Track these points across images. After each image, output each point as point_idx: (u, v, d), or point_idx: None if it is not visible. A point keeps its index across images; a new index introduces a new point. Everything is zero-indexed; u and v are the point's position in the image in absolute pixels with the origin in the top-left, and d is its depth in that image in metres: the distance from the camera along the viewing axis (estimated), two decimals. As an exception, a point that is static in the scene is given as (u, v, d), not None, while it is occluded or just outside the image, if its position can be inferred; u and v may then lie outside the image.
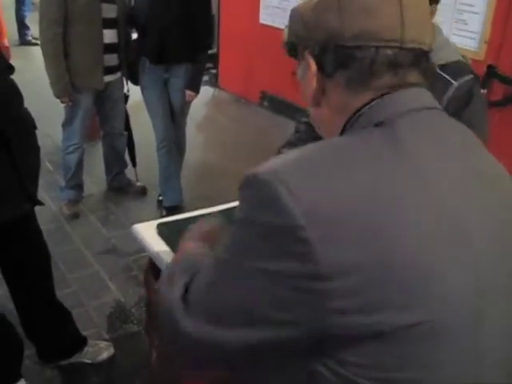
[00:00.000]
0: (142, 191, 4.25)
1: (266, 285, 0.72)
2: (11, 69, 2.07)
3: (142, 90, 3.73)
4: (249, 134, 5.65)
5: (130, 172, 4.30)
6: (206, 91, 3.83)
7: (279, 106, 6.17)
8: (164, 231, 1.81)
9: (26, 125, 2.08)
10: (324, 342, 0.72)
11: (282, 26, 5.18)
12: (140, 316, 2.94)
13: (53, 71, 3.50)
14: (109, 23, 3.60)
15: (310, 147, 0.80)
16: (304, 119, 1.82)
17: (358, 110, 0.83)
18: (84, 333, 2.64)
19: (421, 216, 0.73)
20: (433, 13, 1.43)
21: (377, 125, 0.80)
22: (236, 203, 2.05)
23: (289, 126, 5.77)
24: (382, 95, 0.82)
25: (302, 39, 0.88)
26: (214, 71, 6.81)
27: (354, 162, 0.75)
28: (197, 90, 3.74)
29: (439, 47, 1.47)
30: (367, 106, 0.82)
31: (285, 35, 0.96)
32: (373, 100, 0.82)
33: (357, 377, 0.71)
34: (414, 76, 0.84)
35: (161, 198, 4.04)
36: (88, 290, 3.13)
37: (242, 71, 6.54)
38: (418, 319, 0.70)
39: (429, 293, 0.71)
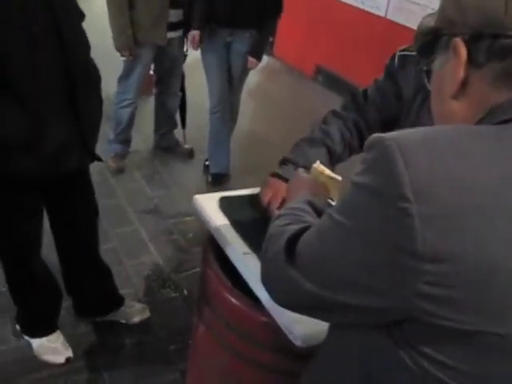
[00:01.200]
0: (189, 154, 4.18)
1: (368, 251, 0.72)
2: (83, 16, 1.99)
3: (203, 51, 3.63)
4: (299, 108, 5.52)
5: (178, 133, 4.24)
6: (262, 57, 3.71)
7: (333, 83, 6.01)
8: (226, 205, 1.74)
9: (92, 76, 2.01)
10: (407, 323, 0.72)
11: (348, 1, 5.12)
12: (178, 282, 2.91)
13: (116, 24, 3.43)
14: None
15: (443, 127, 0.77)
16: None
17: (500, 105, 0.76)
18: (121, 291, 2.61)
19: None
20: None
21: (506, 120, 0.73)
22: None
23: (340, 103, 5.70)
24: None
25: (453, 24, 0.78)
26: (270, 39, 6.65)
27: (483, 154, 0.69)
28: (259, 58, 3.63)
29: None
30: (507, 103, 0.75)
31: (427, 22, 0.86)
32: None
33: (435, 371, 0.72)
34: None
35: (207, 162, 3.97)
36: (128, 248, 3.11)
37: (299, 42, 6.38)
38: (505, 332, 0.68)
39: None
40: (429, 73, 0.89)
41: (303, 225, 0.92)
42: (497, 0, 0.73)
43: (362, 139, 1.70)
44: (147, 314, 2.64)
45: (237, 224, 1.65)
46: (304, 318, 1.34)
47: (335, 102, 5.94)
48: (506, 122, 0.73)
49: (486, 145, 0.70)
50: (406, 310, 0.71)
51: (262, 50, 3.63)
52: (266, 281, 0.93)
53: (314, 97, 5.92)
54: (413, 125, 1.62)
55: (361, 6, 5.51)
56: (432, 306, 0.68)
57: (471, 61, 0.76)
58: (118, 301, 2.57)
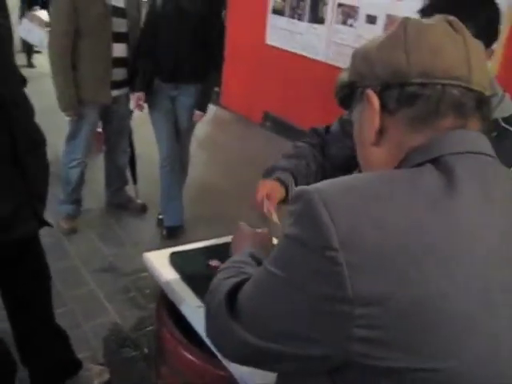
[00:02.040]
0: (142, 209, 4.18)
1: (300, 300, 0.74)
2: (24, 81, 2.01)
3: (149, 106, 3.68)
4: (250, 154, 5.61)
5: (130, 188, 4.24)
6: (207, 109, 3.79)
7: (281, 128, 6.14)
8: (176, 260, 1.75)
9: (36, 140, 2.02)
10: (347, 368, 0.74)
11: (289, 48, 5.26)
12: (137, 340, 2.85)
13: (59, 84, 3.45)
14: (119, 37, 3.56)
15: (361, 175, 0.83)
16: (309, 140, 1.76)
17: (415, 149, 0.82)
18: (79, 355, 2.54)
19: (470, 267, 0.72)
20: (489, 55, 1.34)
21: (432, 161, 0.78)
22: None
23: (288, 148, 5.81)
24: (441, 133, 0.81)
25: (364, 77, 0.86)
26: (216, 89, 6.78)
27: (402, 196, 0.74)
28: (205, 110, 3.70)
29: (500, 98, 1.36)
30: (423, 145, 0.81)
31: (343, 77, 0.93)
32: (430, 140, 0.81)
33: None
34: (474, 122, 0.83)
35: (161, 216, 3.97)
36: (84, 309, 3.04)
37: (244, 91, 6.52)
38: (439, 366, 0.71)
39: (461, 346, 0.71)
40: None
41: (244, 276, 0.95)
42: (399, 53, 0.81)
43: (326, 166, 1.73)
44: (106, 376, 2.58)
45: (188, 278, 1.66)
46: (262, 371, 1.35)
47: (284, 146, 6.05)
48: (420, 164, 0.79)
49: (404, 187, 0.75)
50: (342, 355, 0.73)
51: (206, 102, 3.71)
52: (210, 335, 0.95)
53: (263, 142, 6.02)
54: None
55: (303, 53, 5.70)
56: (366, 348, 0.71)
57: (384, 109, 0.83)
58: (76, 366, 2.50)
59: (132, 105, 3.70)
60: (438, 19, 0.85)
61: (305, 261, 0.74)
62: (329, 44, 5.40)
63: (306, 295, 0.74)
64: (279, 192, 1.62)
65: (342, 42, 5.24)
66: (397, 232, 0.71)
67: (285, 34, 5.84)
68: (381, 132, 0.85)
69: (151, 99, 3.62)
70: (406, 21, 0.85)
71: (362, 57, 0.88)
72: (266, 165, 1.90)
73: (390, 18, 4.72)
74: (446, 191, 0.74)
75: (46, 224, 2.05)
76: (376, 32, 4.87)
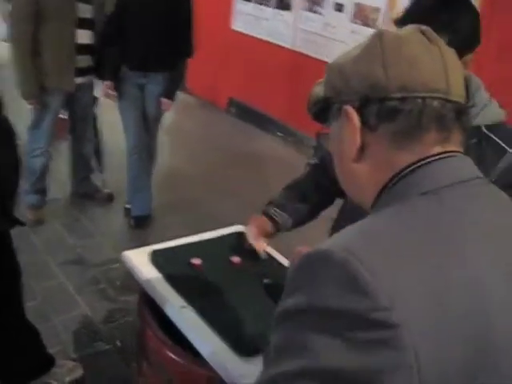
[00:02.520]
0: (109, 198, 4.11)
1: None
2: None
3: (117, 95, 3.60)
4: (216, 140, 5.58)
5: (96, 178, 4.16)
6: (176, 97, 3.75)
7: (246, 114, 6.12)
8: (158, 259, 1.73)
9: (5, 133, 1.95)
10: None
11: (255, 34, 5.23)
12: (110, 333, 2.83)
13: (20, 72, 3.34)
14: (84, 23, 3.47)
15: (369, 221, 0.77)
16: (312, 161, 1.75)
17: (402, 171, 0.79)
18: (50, 350, 2.49)
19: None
20: (467, 63, 1.34)
21: (423, 193, 0.76)
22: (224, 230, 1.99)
23: (255, 134, 5.80)
24: (428, 160, 0.78)
25: (340, 93, 0.83)
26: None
27: (420, 240, 0.70)
28: (173, 99, 3.65)
29: (484, 104, 1.34)
30: (410, 168, 0.78)
31: (317, 92, 0.89)
32: (418, 161, 0.78)
33: None
34: (456, 133, 0.81)
35: (128, 206, 3.91)
36: (53, 303, 2.99)
37: (210, 76, 6.45)
38: None
39: None
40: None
41: None
42: (376, 67, 0.79)
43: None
44: (80, 371, 2.54)
45: (170, 277, 1.65)
46: (248, 370, 1.36)
47: (248, 131, 6.07)
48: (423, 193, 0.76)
49: (421, 229, 0.71)
50: None
51: (175, 90, 3.66)
52: None
53: (228, 128, 6.00)
54: None
55: (269, 39, 5.67)
56: None
57: (365, 125, 0.80)
58: (48, 362, 2.46)
59: (100, 93, 3.61)
60: (411, 30, 0.83)
61: (345, 338, 0.64)
62: (295, 31, 5.38)
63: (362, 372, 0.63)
64: (264, 227, 1.73)
65: (309, 29, 5.24)
66: (430, 282, 0.66)
67: (251, 19, 5.79)
68: (362, 148, 0.82)
69: (118, 87, 3.55)
70: (380, 32, 0.82)
71: (337, 71, 0.85)
72: (231, 150, 1.92)
73: (358, 7, 4.74)
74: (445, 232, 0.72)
75: (18, 222, 1.99)
76: (343, 20, 4.88)
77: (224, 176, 4.80)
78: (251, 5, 5.77)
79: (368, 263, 0.65)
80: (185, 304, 1.55)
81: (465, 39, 1.29)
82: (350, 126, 0.81)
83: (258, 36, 5.76)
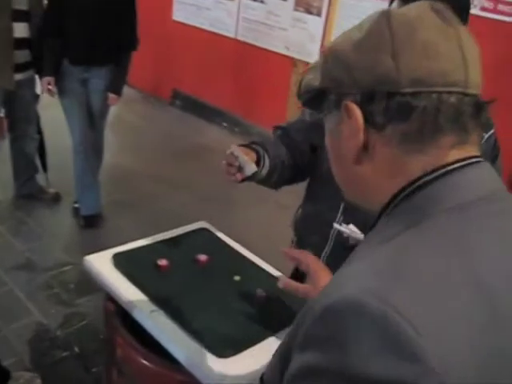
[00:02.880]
0: (56, 198, 3.95)
1: None
2: None
3: (59, 91, 3.44)
4: (160, 133, 5.48)
5: (41, 178, 3.99)
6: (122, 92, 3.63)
7: (191, 105, 6.04)
8: (122, 263, 1.66)
9: None
10: None
11: (197, 24, 5.13)
12: (67, 339, 2.72)
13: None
14: (19, 16, 3.29)
15: (393, 251, 0.63)
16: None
17: (417, 180, 0.69)
18: (4, 363, 2.38)
19: None
20: None
21: (447, 210, 0.66)
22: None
23: (201, 125, 5.73)
24: (447, 169, 0.68)
25: (340, 84, 0.71)
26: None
27: (455, 271, 0.60)
28: (119, 93, 3.52)
29: None
30: (426, 178, 0.68)
31: (310, 80, 0.79)
32: (434, 171, 0.68)
33: None
34: (474, 134, 0.70)
35: (77, 205, 3.78)
36: (4, 311, 2.85)
37: (152, 69, 6.31)
38: None
39: None
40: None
41: None
42: (385, 56, 0.67)
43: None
44: (38, 382, 2.44)
45: (137, 282, 1.59)
46: (225, 370, 1.33)
47: (194, 123, 5.99)
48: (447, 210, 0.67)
49: (447, 257, 0.62)
50: None
51: (121, 85, 3.53)
52: None
53: (173, 121, 5.90)
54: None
55: (211, 29, 5.58)
56: None
57: (369, 123, 0.69)
58: (3, 375, 2.34)
59: (41, 90, 3.45)
60: (422, 8, 0.71)
61: None
62: (238, 20, 5.32)
63: None
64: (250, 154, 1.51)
65: (251, 18, 5.19)
66: (464, 321, 0.57)
67: (192, 9, 5.69)
68: (365, 148, 0.71)
69: (60, 83, 3.39)
70: (387, 13, 0.70)
71: (336, 59, 0.73)
72: (178, 143, 1.85)
73: (302, -5, 4.73)
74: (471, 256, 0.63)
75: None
76: (286, 8, 4.86)
77: (173, 170, 4.71)
78: (192, -6, 5.66)
79: (409, 314, 0.54)
80: (154, 308, 1.50)
81: (462, 12, 1.25)
82: (350, 124, 0.70)
83: (200, 26, 5.66)
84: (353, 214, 1.54)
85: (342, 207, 1.54)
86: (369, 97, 0.68)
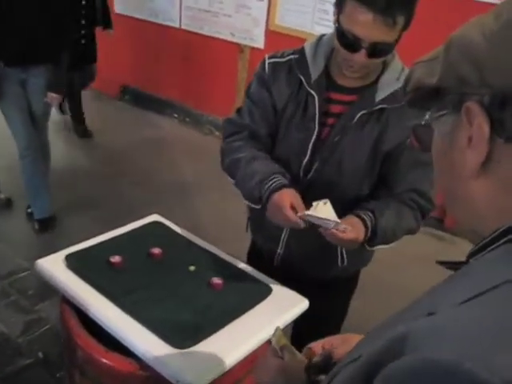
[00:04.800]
0: (7, 203, 3.85)
1: None
2: None
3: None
4: (111, 131, 5.39)
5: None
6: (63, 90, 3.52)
7: (140, 99, 5.96)
8: (74, 263, 1.63)
9: None
10: None
11: (140, 16, 5.04)
12: (30, 346, 2.67)
13: None
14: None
15: (501, 304, 0.51)
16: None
17: None
18: (-34, 377, 2.34)
19: None
20: None
21: None
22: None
23: (152, 118, 5.67)
24: None
25: (464, 83, 0.60)
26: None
27: None
28: (61, 92, 3.40)
29: (400, 70, 1.52)
30: None
31: (421, 75, 0.67)
32: None
33: None
34: None
35: (30, 210, 3.69)
36: (-39, 325, 2.78)
37: (100, 66, 6.18)
38: None
39: None
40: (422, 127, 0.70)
41: None
42: None
43: None
44: (4, 392, 2.40)
45: (91, 280, 1.57)
46: (186, 363, 1.33)
47: (145, 117, 5.91)
48: None
49: None
50: None
51: (61, 83, 3.40)
52: None
53: (124, 117, 5.81)
54: (283, 138, 1.60)
55: (155, 20, 5.50)
56: None
57: (496, 132, 0.57)
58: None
59: None
60: None
61: None
62: (181, 9, 5.26)
63: None
64: (296, 195, 1.46)
65: (194, 6, 5.13)
66: None
67: (134, 1, 5.58)
68: (487, 161, 0.59)
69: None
70: None
71: (463, 52, 0.61)
72: (131, 139, 1.81)
73: (242, -21, 4.70)
74: None
75: None
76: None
77: (129, 165, 4.65)
78: (132, -14, 5.56)
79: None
80: (112, 305, 1.48)
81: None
82: (473, 131, 0.59)
83: (143, 17, 5.57)
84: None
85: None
86: (501, 100, 0.56)
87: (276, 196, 1.44)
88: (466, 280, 0.57)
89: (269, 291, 1.61)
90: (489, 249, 0.59)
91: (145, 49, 5.76)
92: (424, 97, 0.66)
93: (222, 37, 5.03)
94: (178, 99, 5.65)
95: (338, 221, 1.36)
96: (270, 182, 1.49)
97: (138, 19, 5.63)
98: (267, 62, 1.60)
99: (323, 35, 1.58)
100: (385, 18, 1.31)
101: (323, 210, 1.37)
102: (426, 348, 0.49)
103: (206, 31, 5.12)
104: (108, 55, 6.02)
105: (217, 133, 5.24)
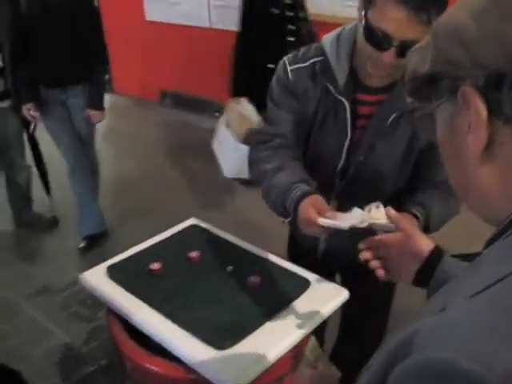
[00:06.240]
0: (54, 222, 3.94)
1: None
2: None
3: (42, 116, 3.43)
4: (155, 135, 5.48)
5: (39, 204, 4.01)
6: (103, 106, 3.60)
7: (182, 103, 6.04)
8: (115, 274, 1.68)
9: None
10: None
11: (171, 21, 5.04)
12: (92, 354, 2.77)
13: None
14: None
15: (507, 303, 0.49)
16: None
17: None
18: (35, 386, 2.43)
19: None
20: None
21: None
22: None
23: (195, 120, 5.73)
24: None
25: (457, 66, 0.58)
26: (106, 77, 6.53)
27: None
28: (100, 108, 3.48)
29: None
30: None
31: (416, 64, 0.65)
32: None
33: None
34: None
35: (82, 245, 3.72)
36: (28, 338, 2.90)
37: (136, 72, 6.32)
38: None
39: None
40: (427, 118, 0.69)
41: None
42: None
43: None
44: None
45: (132, 289, 1.61)
46: (230, 364, 1.34)
47: (188, 120, 5.96)
48: None
49: None
50: None
51: (100, 98, 3.48)
52: None
53: (166, 120, 5.90)
54: (315, 143, 1.56)
55: (187, 23, 5.56)
56: None
57: (494, 114, 0.56)
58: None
59: (27, 116, 3.42)
60: None
61: None
62: (210, 9, 5.29)
63: None
64: (320, 200, 1.39)
65: (223, 4, 5.15)
66: None
67: (163, 7, 5.66)
68: (489, 145, 0.57)
69: (41, 108, 3.39)
70: None
71: (450, 34, 0.59)
72: (177, 143, 1.82)
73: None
74: None
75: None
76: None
77: (178, 172, 4.73)
78: (160, -8, 5.63)
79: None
80: (157, 313, 1.52)
81: None
82: (470, 115, 0.57)
83: (175, 22, 5.64)
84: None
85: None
86: (495, 80, 0.55)
87: (300, 209, 1.37)
88: (477, 272, 0.57)
89: (307, 285, 1.61)
90: (501, 238, 0.58)
91: (181, 52, 5.82)
92: (421, 86, 0.64)
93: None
94: (217, 98, 5.71)
95: (392, 225, 1.20)
96: (292, 193, 1.42)
97: (170, 24, 5.70)
98: (289, 68, 1.52)
99: (342, 29, 1.50)
100: (419, 15, 1.23)
101: (377, 214, 1.26)
102: (430, 346, 0.49)
103: (235, 27, 5.14)
104: (145, 62, 6.14)
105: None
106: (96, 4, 3.44)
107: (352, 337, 2.06)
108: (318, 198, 1.39)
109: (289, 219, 1.47)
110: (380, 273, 1.16)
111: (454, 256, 0.89)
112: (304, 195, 1.40)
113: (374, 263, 1.16)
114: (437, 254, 1.07)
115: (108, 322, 1.63)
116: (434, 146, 1.46)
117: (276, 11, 3.60)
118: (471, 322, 0.48)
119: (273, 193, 1.50)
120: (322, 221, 1.31)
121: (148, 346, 1.50)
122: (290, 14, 3.38)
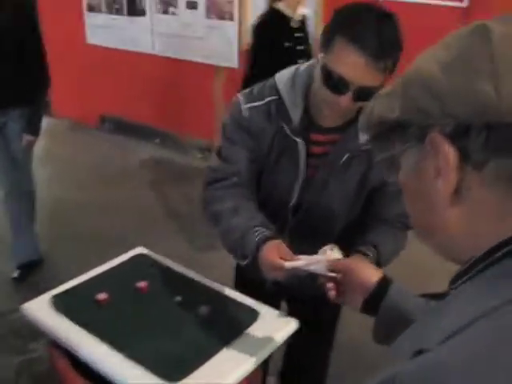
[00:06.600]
0: None
1: None
2: None
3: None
4: (94, 161, 5.39)
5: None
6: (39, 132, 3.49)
7: (121, 128, 5.98)
8: (60, 304, 1.63)
9: None
10: None
11: (112, 45, 5.01)
12: (27, 386, 2.65)
13: None
14: None
15: (489, 340, 0.50)
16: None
17: None
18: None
19: None
20: None
21: None
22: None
23: (134, 145, 5.67)
24: None
25: (427, 116, 0.60)
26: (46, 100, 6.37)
27: None
28: (36, 133, 3.36)
29: None
30: None
31: (382, 109, 0.66)
32: None
33: None
34: None
35: (16, 274, 3.55)
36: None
37: (75, 96, 6.20)
38: None
39: None
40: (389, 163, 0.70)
41: None
42: (484, 81, 0.56)
43: None
44: None
45: (78, 320, 1.56)
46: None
47: (127, 145, 5.90)
48: None
49: None
50: None
51: (37, 124, 3.37)
52: None
53: (107, 146, 5.81)
54: (268, 181, 1.58)
55: (128, 48, 5.53)
56: None
57: (463, 160, 0.58)
58: None
59: None
60: None
61: None
62: (153, 35, 5.30)
63: None
64: (282, 246, 1.40)
65: (166, 32, 5.18)
66: None
67: (105, 31, 5.62)
68: (458, 188, 0.59)
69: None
70: (485, 28, 0.59)
71: (421, 85, 0.61)
72: (113, 169, 1.79)
73: (211, 1, 4.74)
74: None
75: None
76: (199, 17, 4.86)
77: (117, 196, 4.65)
78: (103, 16, 5.58)
79: None
80: (107, 347, 1.48)
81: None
82: (439, 161, 0.59)
83: (116, 46, 5.60)
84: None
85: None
86: (463, 129, 0.57)
87: (263, 254, 1.38)
88: (448, 313, 0.57)
89: (256, 316, 1.61)
90: (465, 277, 0.60)
91: (121, 77, 5.78)
92: (387, 132, 0.66)
93: (196, 60, 5.06)
94: (157, 125, 5.69)
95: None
96: (252, 237, 1.42)
97: (110, 48, 5.66)
98: (244, 107, 1.50)
99: (297, 68, 1.51)
100: (377, 62, 1.26)
101: (334, 255, 1.29)
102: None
103: (178, 55, 5.17)
104: (84, 86, 6.06)
105: (199, 155, 5.29)
106: (38, 27, 3.34)
107: (296, 368, 2.07)
108: (280, 243, 1.40)
109: (247, 262, 1.46)
110: (332, 294, 1.23)
111: (421, 296, 0.92)
112: (266, 239, 1.41)
113: (329, 284, 1.23)
114: (384, 284, 1.14)
115: (50, 355, 1.58)
116: (385, 184, 1.52)
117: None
118: (446, 371, 0.48)
119: (231, 235, 1.49)
120: (290, 264, 1.32)
121: (95, 379, 1.46)
122: (301, 47, 3.41)
